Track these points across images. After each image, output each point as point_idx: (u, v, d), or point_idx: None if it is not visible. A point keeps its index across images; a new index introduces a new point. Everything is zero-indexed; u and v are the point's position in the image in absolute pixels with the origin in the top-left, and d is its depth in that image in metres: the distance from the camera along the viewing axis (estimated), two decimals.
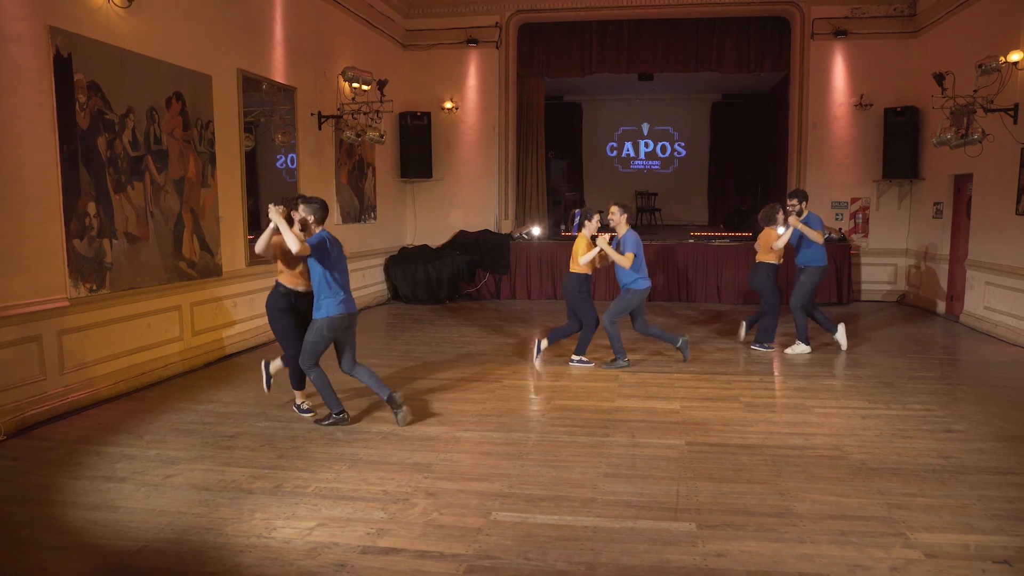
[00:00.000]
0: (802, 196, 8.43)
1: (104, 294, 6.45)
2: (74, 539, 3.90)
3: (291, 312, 5.79)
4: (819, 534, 3.90)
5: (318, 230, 5.58)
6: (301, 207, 5.61)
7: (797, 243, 8.35)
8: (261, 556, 3.69)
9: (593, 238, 7.56)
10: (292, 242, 5.32)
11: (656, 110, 20.62)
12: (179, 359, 7.41)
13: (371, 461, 4.98)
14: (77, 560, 3.72)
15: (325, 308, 5.56)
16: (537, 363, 7.87)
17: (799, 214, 8.30)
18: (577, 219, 8.02)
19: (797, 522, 4.04)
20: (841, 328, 8.55)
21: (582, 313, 7.66)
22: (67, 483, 4.62)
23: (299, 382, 6.02)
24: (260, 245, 5.61)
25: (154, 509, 4.23)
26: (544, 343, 7.92)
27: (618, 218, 7.68)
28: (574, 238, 7.89)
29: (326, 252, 5.51)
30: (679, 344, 7.92)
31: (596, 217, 7.70)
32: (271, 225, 5.49)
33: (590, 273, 7.65)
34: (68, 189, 6.02)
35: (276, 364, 6.13)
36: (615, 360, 7.73)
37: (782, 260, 8.38)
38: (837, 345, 8.53)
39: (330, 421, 5.76)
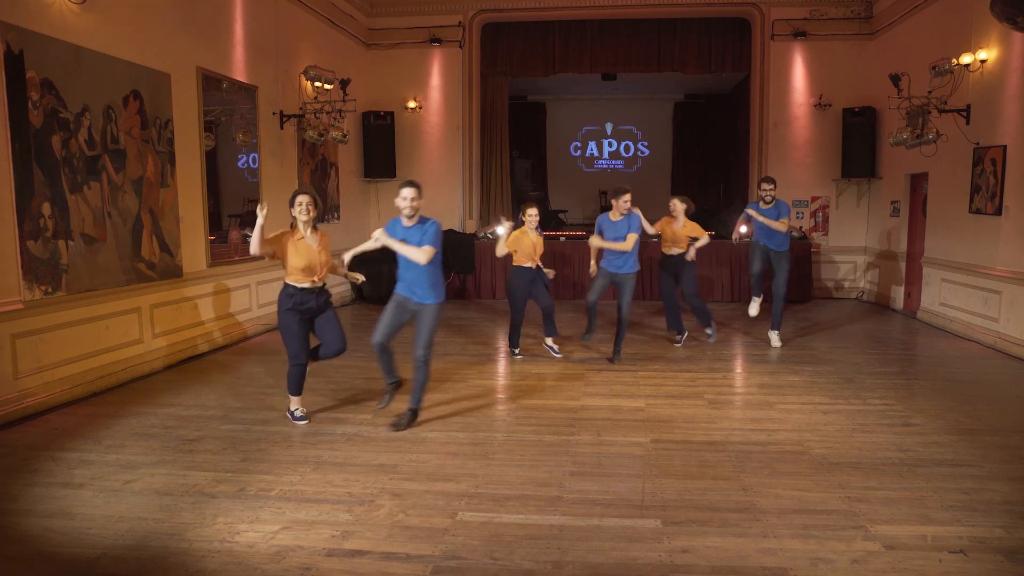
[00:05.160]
0: (774, 182, 8.51)
1: (60, 296, 6.30)
2: (29, 548, 3.80)
3: (294, 311, 5.66)
4: (782, 528, 3.95)
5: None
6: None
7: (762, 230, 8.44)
8: (224, 561, 3.64)
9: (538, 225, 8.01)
10: (416, 254, 5.72)
11: (619, 110, 20.74)
12: (139, 362, 7.26)
13: (336, 463, 4.94)
14: (33, 569, 3.63)
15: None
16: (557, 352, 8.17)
17: (772, 199, 8.38)
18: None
19: (760, 517, 4.10)
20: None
21: (512, 302, 8.00)
22: (22, 490, 4.50)
23: (297, 387, 5.83)
24: (254, 246, 5.41)
25: (113, 515, 4.14)
26: (549, 341, 8.19)
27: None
28: (544, 237, 8.26)
29: None
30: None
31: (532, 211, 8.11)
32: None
33: (531, 266, 7.93)
34: (21, 189, 5.87)
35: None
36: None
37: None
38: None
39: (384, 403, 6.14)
